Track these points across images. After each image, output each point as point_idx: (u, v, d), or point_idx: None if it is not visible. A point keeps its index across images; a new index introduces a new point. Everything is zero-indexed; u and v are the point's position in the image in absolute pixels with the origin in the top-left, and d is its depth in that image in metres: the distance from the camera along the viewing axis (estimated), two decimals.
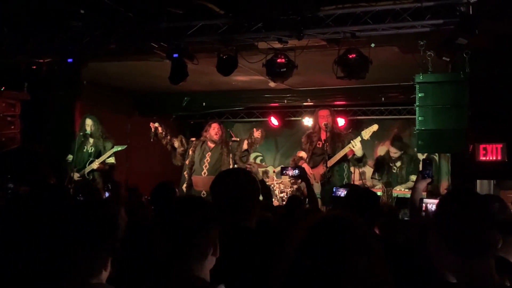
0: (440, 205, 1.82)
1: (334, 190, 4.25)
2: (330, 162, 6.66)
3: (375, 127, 6.85)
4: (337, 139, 6.84)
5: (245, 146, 7.04)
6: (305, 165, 6.71)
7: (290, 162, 7.52)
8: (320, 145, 6.81)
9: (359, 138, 6.69)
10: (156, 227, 1.89)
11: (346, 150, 6.72)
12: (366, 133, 6.78)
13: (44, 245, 1.22)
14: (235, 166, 6.89)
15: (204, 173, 6.89)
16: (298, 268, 1.28)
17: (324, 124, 6.72)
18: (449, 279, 1.74)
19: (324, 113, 6.91)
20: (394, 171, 7.35)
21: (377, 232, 2.87)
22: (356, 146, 6.62)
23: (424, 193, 4.70)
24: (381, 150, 9.17)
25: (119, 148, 7.22)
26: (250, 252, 2.17)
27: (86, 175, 7.06)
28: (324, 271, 1.25)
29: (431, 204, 2.93)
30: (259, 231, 2.40)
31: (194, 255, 1.80)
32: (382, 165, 7.49)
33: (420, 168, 3.18)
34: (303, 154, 7.11)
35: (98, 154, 7.13)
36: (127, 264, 2.48)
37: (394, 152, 7.26)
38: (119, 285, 2.10)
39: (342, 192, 4.02)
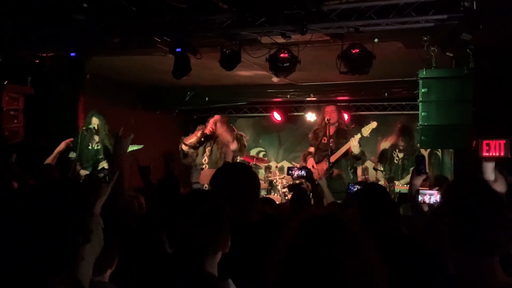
0: (450, 196, 1.76)
1: (349, 186, 4.19)
2: (333, 158, 6.70)
3: (374, 124, 6.92)
4: (342, 135, 6.88)
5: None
6: (311, 159, 6.75)
7: (300, 157, 7.55)
8: (325, 141, 6.85)
9: (358, 135, 6.74)
10: (166, 219, 1.86)
11: (346, 147, 6.78)
12: (366, 130, 6.85)
13: (46, 241, 1.21)
14: (228, 160, 6.92)
15: (205, 167, 6.95)
16: (287, 268, 1.28)
17: (327, 120, 6.73)
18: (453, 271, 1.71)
19: (329, 108, 6.97)
20: (396, 161, 7.36)
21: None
22: (354, 143, 6.67)
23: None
24: (384, 146, 9.16)
25: (135, 148, 7.16)
26: (253, 246, 2.17)
27: (97, 172, 7.03)
28: (312, 270, 1.23)
29: (428, 195, 2.99)
30: (262, 225, 2.41)
31: (207, 249, 1.77)
32: (385, 158, 7.52)
33: (415, 165, 3.27)
34: (312, 149, 7.16)
35: (105, 151, 7.12)
36: (136, 257, 2.47)
37: (402, 144, 7.31)
38: (128, 278, 2.09)
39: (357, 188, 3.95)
